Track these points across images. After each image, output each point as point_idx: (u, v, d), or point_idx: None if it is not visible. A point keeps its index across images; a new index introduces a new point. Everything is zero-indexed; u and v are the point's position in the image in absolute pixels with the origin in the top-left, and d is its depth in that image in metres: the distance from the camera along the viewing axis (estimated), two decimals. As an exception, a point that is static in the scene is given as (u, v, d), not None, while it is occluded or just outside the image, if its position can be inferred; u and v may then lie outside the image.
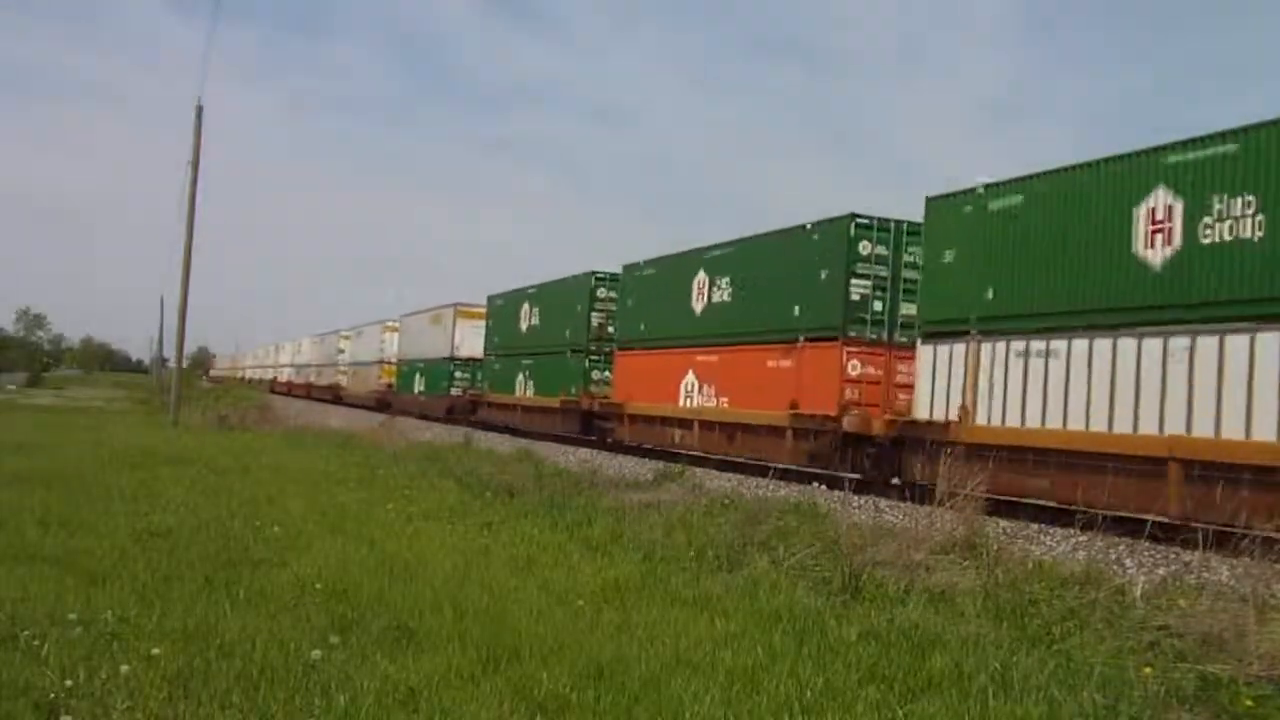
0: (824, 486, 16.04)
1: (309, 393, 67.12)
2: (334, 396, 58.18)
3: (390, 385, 46.98)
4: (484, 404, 34.33)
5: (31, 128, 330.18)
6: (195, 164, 28.77)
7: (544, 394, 29.17)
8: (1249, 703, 5.21)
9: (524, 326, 31.78)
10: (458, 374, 37.70)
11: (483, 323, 36.53)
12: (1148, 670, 5.64)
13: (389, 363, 48.12)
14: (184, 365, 40.77)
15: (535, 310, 31.10)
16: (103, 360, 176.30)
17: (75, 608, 5.98)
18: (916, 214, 16.18)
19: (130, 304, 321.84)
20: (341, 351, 59.11)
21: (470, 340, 37.23)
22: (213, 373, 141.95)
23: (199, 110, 28.76)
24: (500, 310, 34.26)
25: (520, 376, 31.20)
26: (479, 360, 36.64)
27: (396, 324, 47.81)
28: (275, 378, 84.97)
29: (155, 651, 5.17)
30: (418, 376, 42.23)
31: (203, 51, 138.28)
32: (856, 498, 14.75)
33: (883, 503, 14.22)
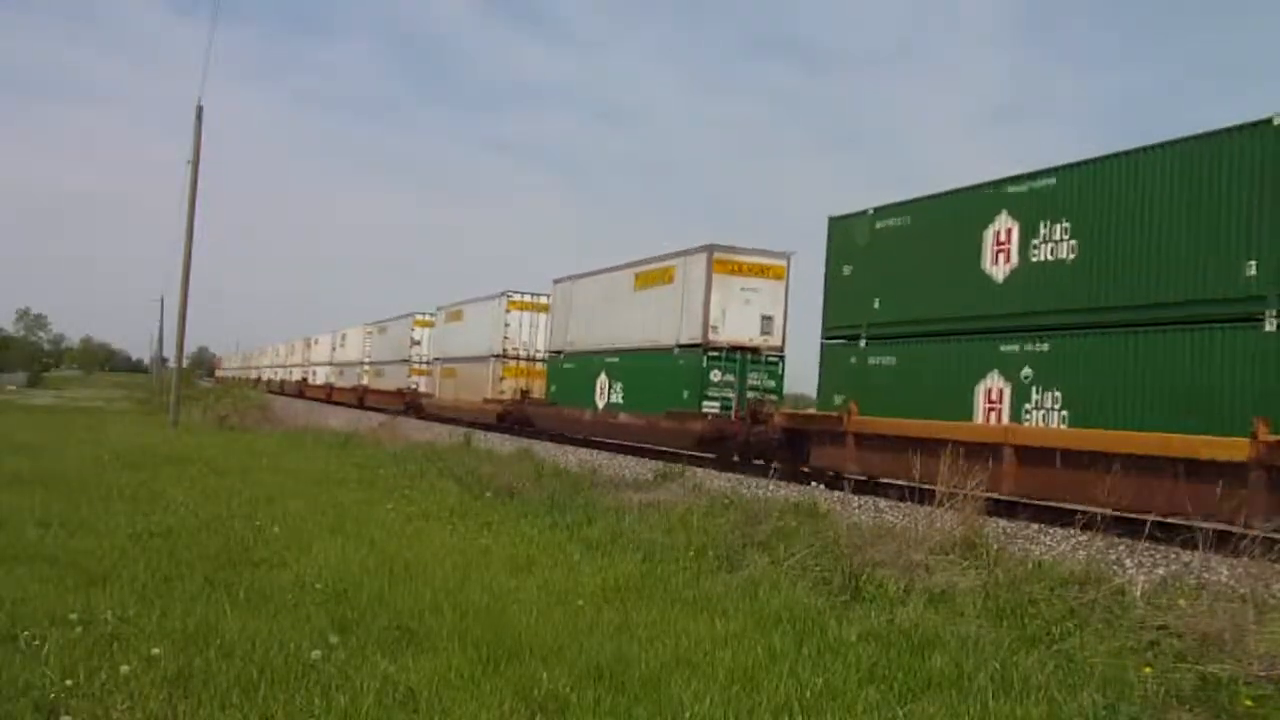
0: (823, 486, 16.02)
1: (361, 400, 50.12)
2: (407, 406, 40.95)
3: (527, 393, 31.65)
4: (836, 437, 16.66)
5: (31, 128, 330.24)
6: (195, 164, 28.75)
7: (1130, 423, 12.14)
8: (1249, 703, 5.21)
9: (1000, 269, 14.44)
10: (715, 375, 21.29)
11: (764, 283, 21.84)
12: (1147, 670, 5.65)
13: (523, 358, 32.83)
14: (184, 365, 40.29)
15: (1064, 228, 13.44)
16: (103, 360, 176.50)
17: (75, 608, 5.99)
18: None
19: (130, 304, 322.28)
20: (417, 343, 43.26)
21: (738, 316, 21.65)
22: (219, 373, 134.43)
23: (199, 110, 28.76)
24: (885, 238, 16.38)
25: (991, 381, 14.25)
26: (754, 352, 21.53)
27: (539, 300, 32.58)
28: (304, 379, 68.92)
29: (155, 651, 5.18)
30: (605, 381, 25.44)
31: (203, 51, 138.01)
32: (856, 498, 14.74)
33: (882, 503, 14.22)
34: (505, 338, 33.13)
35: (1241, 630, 6.16)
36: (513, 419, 31.12)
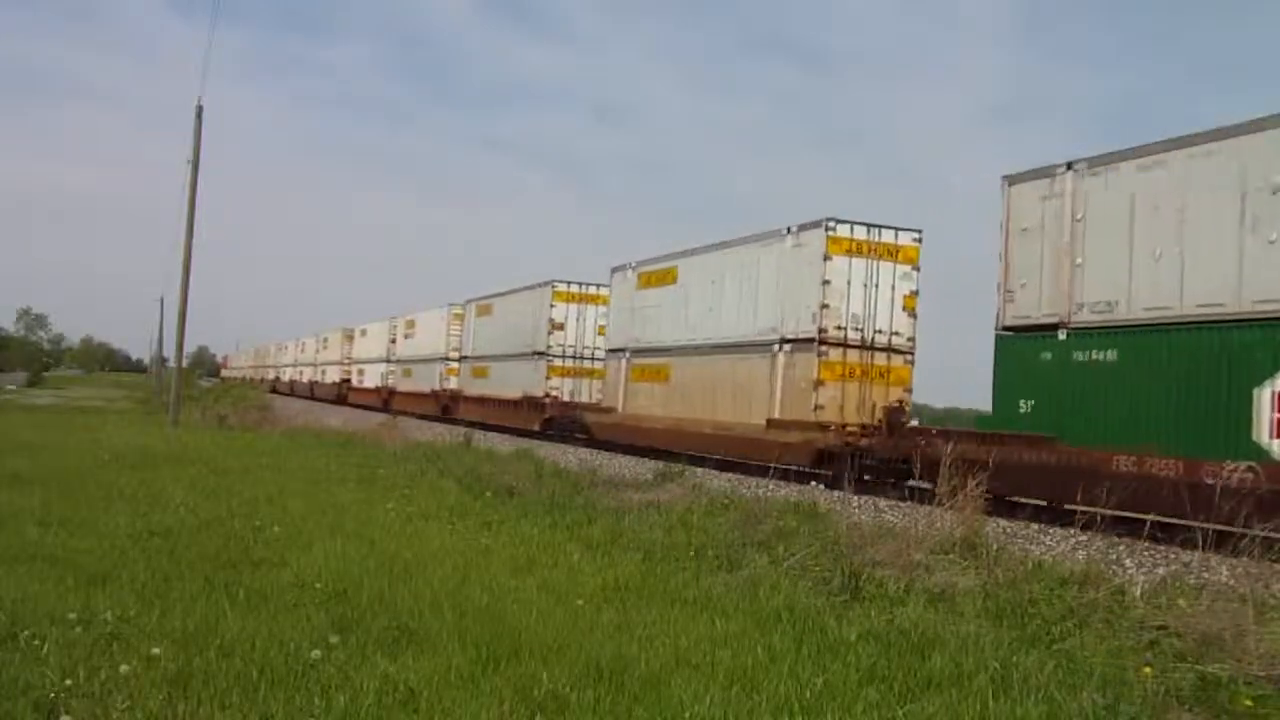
0: (823, 486, 16.04)
1: (445, 409, 36.76)
2: (550, 423, 28.72)
3: (901, 411, 17.59)
4: None
5: (31, 127, 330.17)
6: (195, 164, 28.76)
7: None
8: (1248, 703, 5.21)
9: None
10: None
11: None
12: (1147, 670, 5.64)
13: (861, 345, 18.04)
14: (185, 365, 39.90)
15: None
16: (103, 360, 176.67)
17: (75, 608, 5.99)
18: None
19: (130, 304, 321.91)
20: (559, 327, 29.24)
21: None
22: (225, 372, 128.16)
23: (199, 110, 28.77)
24: None
25: None
26: None
27: (887, 240, 18.17)
28: (345, 379, 56.80)
29: (155, 651, 5.18)
30: None
31: (203, 51, 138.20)
32: (856, 498, 14.74)
33: (882, 503, 14.22)
34: (824, 306, 17.66)
35: (1241, 630, 6.16)
36: (886, 461, 16.17)
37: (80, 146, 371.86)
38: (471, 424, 30.33)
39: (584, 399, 28.32)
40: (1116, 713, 5.10)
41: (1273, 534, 8.70)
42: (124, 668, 4.89)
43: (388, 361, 48.32)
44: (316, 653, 5.32)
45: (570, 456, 21.09)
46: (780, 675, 5.44)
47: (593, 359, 28.84)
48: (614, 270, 26.20)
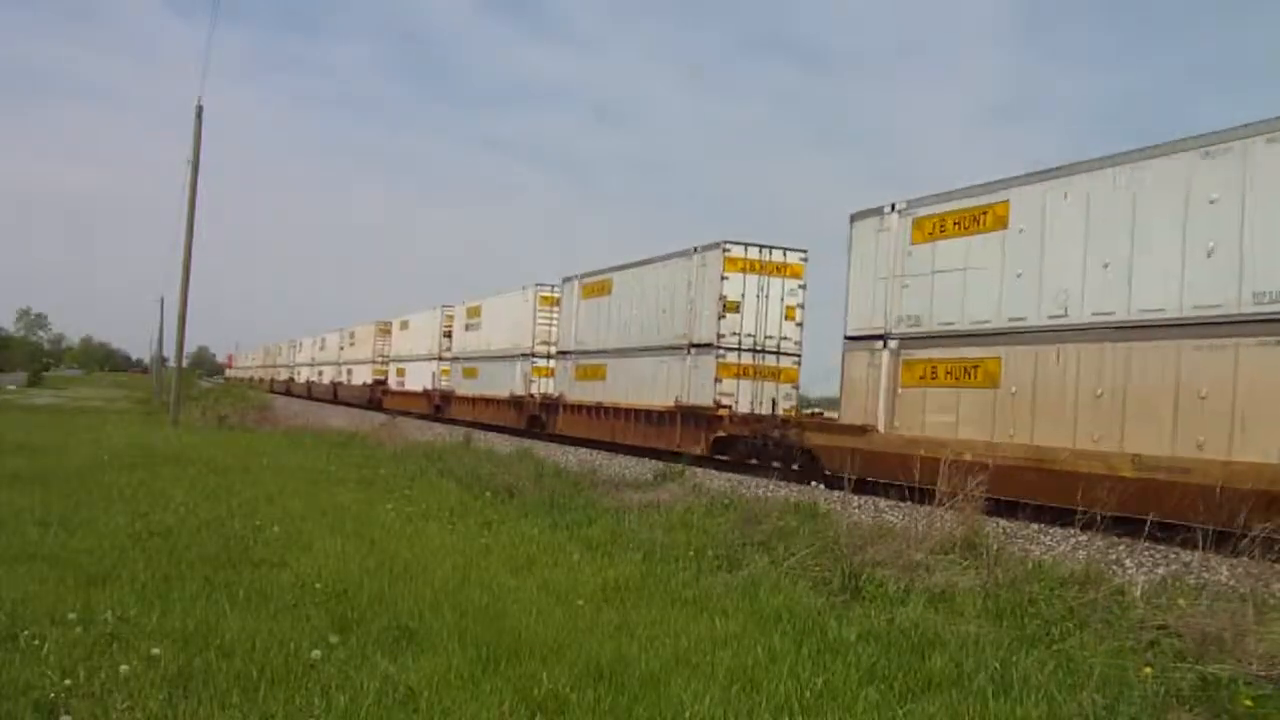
0: (823, 486, 16.04)
1: (530, 419, 30.21)
2: (716, 444, 20.56)
3: None
4: None
5: (31, 127, 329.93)
6: (195, 164, 28.75)
7: None
8: (1248, 703, 5.21)
9: None
10: None
11: None
12: (1147, 670, 5.64)
13: None
14: (185, 365, 39.72)
15: None
16: (103, 360, 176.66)
17: (75, 608, 5.99)
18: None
19: (130, 304, 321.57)
20: (733, 309, 20.84)
21: None
22: (230, 372, 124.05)
23: (199, 110, 28.76)
24: None
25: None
26: None
27: None
28: (377, 381, 48.80)
29: (155, 651, 5.18)
30: None
31: (203, 51, 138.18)
32: (856, 498, 14.73)
33: (882, 503, 14.21)
34: None
35: (1241, 630, 6.16)
36: None
37: (80, 146, 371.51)
38: (582, 443, 23.74)
39: (767, 411, 20.26)
40: (1116, 713, 5.10)
41: (1273, 534, 8.70)
42: (124, 668, 4.90)
43: (440, 359, 39.62)
44: (316, 653, 5.33)
45: (570, 456, 21.08)
46: (780, 675, 5.45)
47: (778, 353, 21.15)
48: (854, 218, 16.96)
